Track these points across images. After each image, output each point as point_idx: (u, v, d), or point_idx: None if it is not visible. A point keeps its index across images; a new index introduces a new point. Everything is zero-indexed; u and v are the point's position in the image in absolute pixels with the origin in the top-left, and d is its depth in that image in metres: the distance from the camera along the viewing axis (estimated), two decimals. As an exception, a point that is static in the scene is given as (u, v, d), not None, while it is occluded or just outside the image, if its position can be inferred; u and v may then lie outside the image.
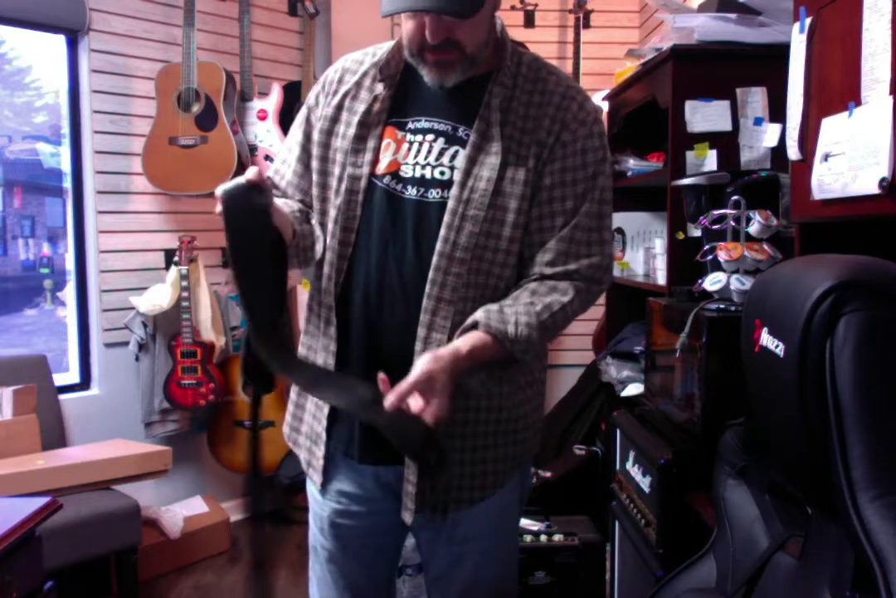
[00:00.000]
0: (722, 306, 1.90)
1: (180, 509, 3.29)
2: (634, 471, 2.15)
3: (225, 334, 3.48)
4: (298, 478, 3.34)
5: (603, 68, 3.84)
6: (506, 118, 1.37)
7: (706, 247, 1.98)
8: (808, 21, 1.52)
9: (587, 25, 3.89)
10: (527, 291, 1.37)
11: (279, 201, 1.40)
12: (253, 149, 3.50)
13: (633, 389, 2.62)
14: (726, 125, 2.25)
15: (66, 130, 3.35)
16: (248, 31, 3.54)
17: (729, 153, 2.25)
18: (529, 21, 3.92)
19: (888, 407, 1.03)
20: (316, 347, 1.46)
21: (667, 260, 2.37)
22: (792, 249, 1.66)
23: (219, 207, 1.25)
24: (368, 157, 1.40)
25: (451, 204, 1.35)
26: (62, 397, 3.19)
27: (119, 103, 3.35)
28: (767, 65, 2.12)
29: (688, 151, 2.27)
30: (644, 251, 2.91)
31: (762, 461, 1.37)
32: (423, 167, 1.38)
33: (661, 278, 2.51)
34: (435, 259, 1.35)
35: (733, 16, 2.21)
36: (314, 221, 1.47)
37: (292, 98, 3.61)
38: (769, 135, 2.22)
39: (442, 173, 1.38)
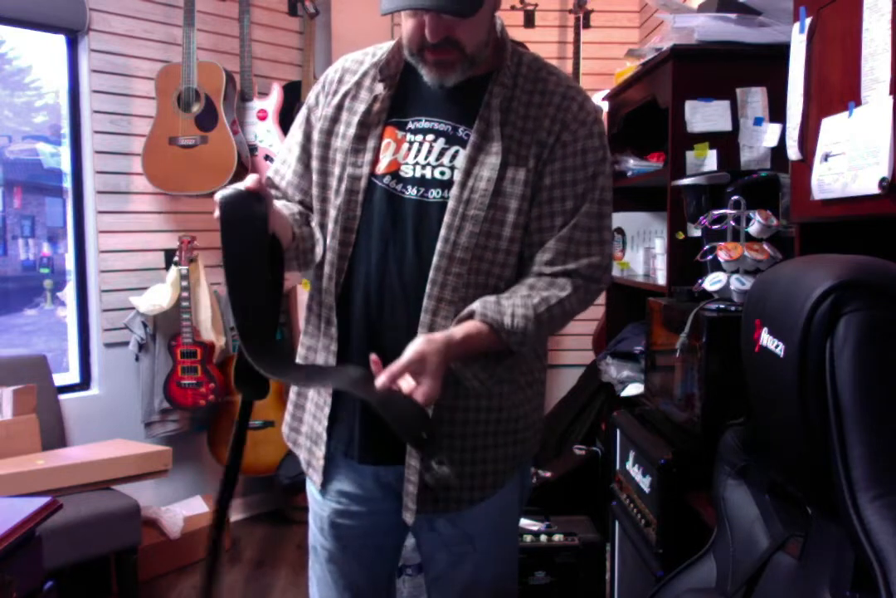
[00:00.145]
0: (722, 306, 1.90)
1: (180, 509, 3.29)
2: (634, 471, 2.15)
3: (225, 334, 3.48)
4: (298, 478, 3.34)
5: (603, 68, 3.84)
6: (506, 118, 1.38)
7: (706, 247, 1.98)
8: (808, 21, 1.52)
9: (587, 25, 3.89)
10: (524, 286, 1.38)
11: (279, 204, 1.40)
12: (253, 149, 3.50)
13: (633, 389, 2.62)
14: (726, 125, 2.25)
15: (66, 130, 3.35)
16: (248, 31, 3.54)
17: (729, 153, 2.25)
18: (529, 21, 3.92)
19: (888, 407, 1.03)
20: (316, 347, 1.46)
21: (667, 260, 2.37)
22: (792, 249, 1.66)
23: (217, 213, 1.25)
24: (368, 157, 1.40)
25: (451, 204, 1.35)
26: (62, 397, 3.19)
27: (119, 103, 3.35)
28: (767, 65, 2.12)
29: (688, 151, 2.27)
30: (644, 251, 2.90)
31: (762, 461, 1.37)
32: (424, 167, 1.38)
33: (661, 278, 2.51)
34: (435, 259, 1.35)
35: (733, 16, 2.20)
36: (314, 224, 1.47)
37: (292, 98, 3.61)
38: (769, 135, 2.22)
39: (442, 173, 1.38)
